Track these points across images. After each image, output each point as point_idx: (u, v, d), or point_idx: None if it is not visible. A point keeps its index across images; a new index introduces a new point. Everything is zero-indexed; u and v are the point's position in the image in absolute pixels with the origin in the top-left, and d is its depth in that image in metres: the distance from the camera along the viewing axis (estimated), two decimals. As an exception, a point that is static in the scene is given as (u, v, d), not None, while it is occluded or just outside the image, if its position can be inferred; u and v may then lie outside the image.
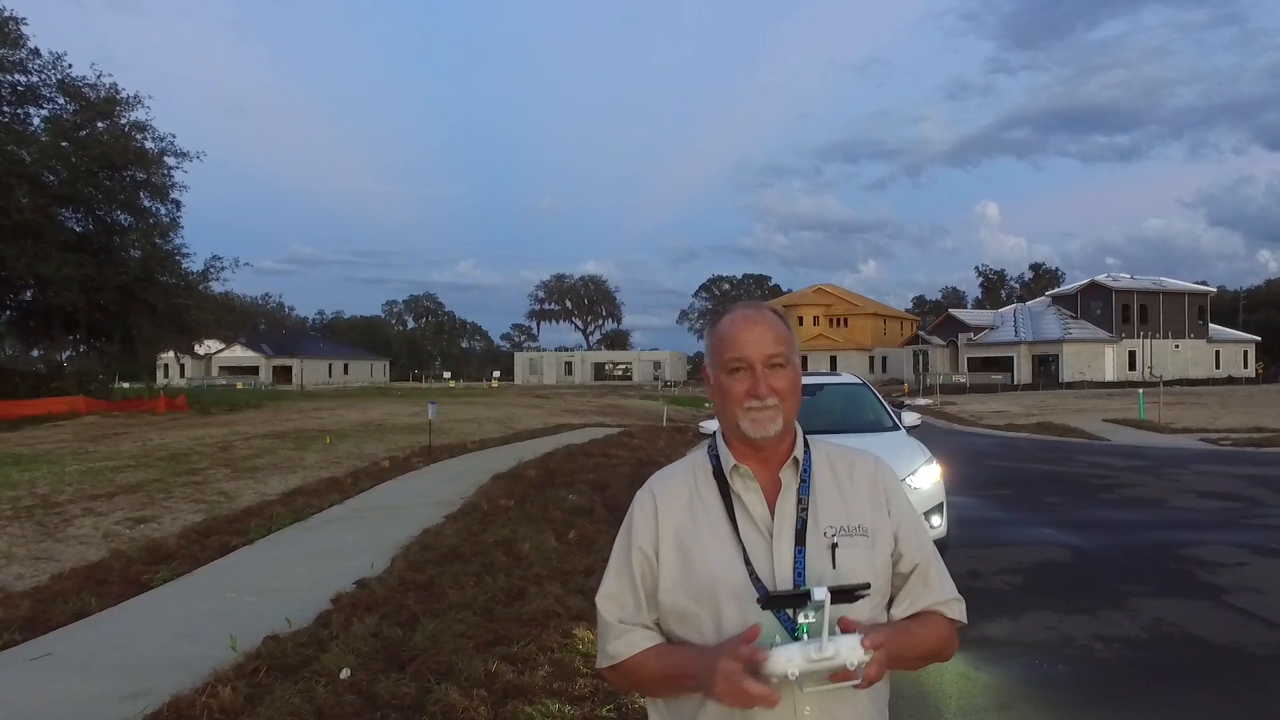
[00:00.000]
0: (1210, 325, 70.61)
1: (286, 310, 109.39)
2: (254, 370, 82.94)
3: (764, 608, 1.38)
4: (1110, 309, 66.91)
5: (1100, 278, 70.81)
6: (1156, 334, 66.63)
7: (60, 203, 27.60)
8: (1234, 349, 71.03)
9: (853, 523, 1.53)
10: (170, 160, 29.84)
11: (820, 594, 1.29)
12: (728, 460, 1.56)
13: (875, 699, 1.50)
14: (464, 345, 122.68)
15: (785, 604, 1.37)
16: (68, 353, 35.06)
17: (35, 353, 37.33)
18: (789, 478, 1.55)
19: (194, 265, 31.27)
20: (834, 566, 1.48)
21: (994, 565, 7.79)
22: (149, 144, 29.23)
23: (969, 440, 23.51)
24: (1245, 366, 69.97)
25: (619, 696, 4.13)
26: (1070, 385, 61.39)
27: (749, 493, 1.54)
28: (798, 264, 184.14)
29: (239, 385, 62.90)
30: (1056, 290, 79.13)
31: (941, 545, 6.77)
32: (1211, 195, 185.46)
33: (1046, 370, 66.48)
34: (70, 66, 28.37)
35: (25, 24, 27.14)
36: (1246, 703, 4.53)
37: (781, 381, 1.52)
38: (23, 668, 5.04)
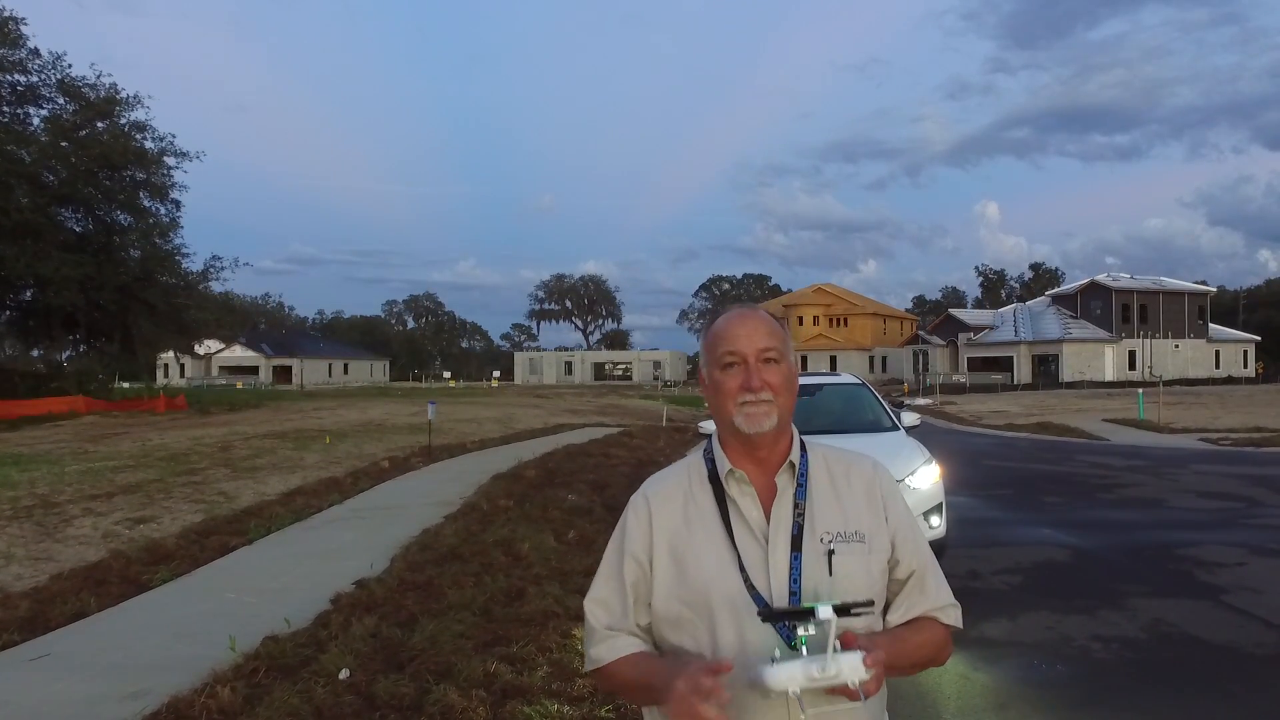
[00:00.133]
0: (1210, 325, 70.62)
1: (286, 310, 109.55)
2: (254, 370, 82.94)
3: (764, 621, 1.38)
4: (1110, 309, 66.92)
5: (1100, 277, 70.82)
6: (1156, 334, 66.63)
7: (60, 202, 27.61)
8: (1234, 349, 71.04)
9: (850, 529, 1.52)
10: (170, 160, 29.91)
11: (825, 613, 1.27)
12: (723, 464, 1.54)
13: (873, 706, 1.49)
14: (464, 345, 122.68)
15: (788, 620, 1.35)
16: (67, 353, 35.07)
17: (35, 353, 37.32)
18: (785, 482, 1.54)
19: (194, 265, 31.38)
20: (830, 573, 1.46)
21: (993, 565, 7.79)
22: (149, 144, 29.29)
23: (969, 440, 23.52)
24: (1245, 366, 69.98)
25: (617, 697, 4.14)
26: (1070, 385, 61.38)
27: (744, 497, 1.53)
28: (798, 264, 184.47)
29: (239, 385, 62.93)
30: (1056, 290, 79.13)
31: (941, 545, 6.79)
32: (1211, 195, 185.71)
33: (1046, 370, 66.48)
34: (70, 66, 28.46)
35: (25, 24, 27.23)
36: (1245, 703, 4.53)
37: (775, 376, 1.51)
38: (22, 668, 5.04)
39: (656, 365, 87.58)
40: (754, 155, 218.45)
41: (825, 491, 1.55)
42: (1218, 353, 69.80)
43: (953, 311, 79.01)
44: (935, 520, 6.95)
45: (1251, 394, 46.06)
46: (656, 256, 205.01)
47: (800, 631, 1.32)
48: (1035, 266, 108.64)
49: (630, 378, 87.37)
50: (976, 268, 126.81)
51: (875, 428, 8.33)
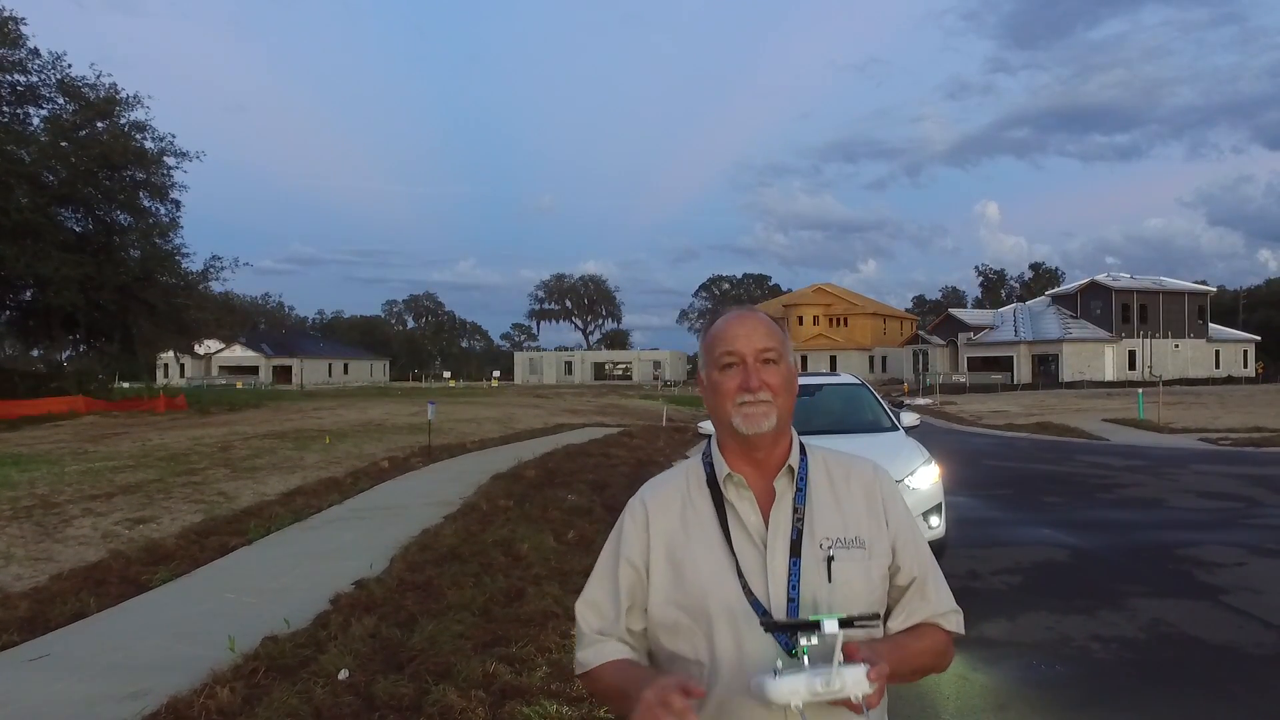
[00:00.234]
0: (1210, 325, 70.62)
1: (286, 310, 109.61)
2: (254, 370, 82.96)
3: (767, 631, 1.36)
4: (1110, 308, 66.92)
5: (1100, 277, 70.81)
6: (1156, 334, 66.63)
7: (60, 202, 27.62)
8: (1234, 348, 71.03)
9: (850, 534, 1.49)
10: (170, 160, 29.93)
11: (831, 626, 1.26)
12: (721, 468, 1.52)
13: (874, 717, 1.46)
14: (464, 345, 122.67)
15: (792, 631, 1.33)
16: (67, 353, 35.09)
17: (35, 353, 37.36)
18: (784, 486, 1.51)
19: (194, 265, 31.37)
20: (829, 580, 1.45)
21: (992, 565, 7.79)
22: (148, 144, 29.30)
23: (968, 440, 23.51)
24: (1245, 366, 69.98)
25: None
26: (1070, 385, 61.40)
27: (743, 502, 1.50)
28: (797, 263, 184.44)
29: (239, 385, 62.96)
30: (1056, 290, 79.12)
31: (940, 545, 6.79)
32: (1211, 195, 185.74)
33: (1046, 370, 66.48)
34: (70, 66, 28.48)
35: (25, 24, 27.24)
36: (1244, 703, 4.54)
37: (774, 377, 1.50)
38: (21, 668, 5.04)
39: (656, 365, 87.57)
40: (754, 155, 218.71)
41: (825, 496, 1.53)
42: (1218, 353, 69.80)
43: (953, 311, 79.02)
44: (935, 520, 6.95)
45: (1251, 394, 46.06)
46: (656, 256, 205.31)
47: (803, 641, 1.30)
48: (1035, 266, 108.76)
49: (630, 378, 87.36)
50: (976, 267, 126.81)
51: (874, 428, 8.33)
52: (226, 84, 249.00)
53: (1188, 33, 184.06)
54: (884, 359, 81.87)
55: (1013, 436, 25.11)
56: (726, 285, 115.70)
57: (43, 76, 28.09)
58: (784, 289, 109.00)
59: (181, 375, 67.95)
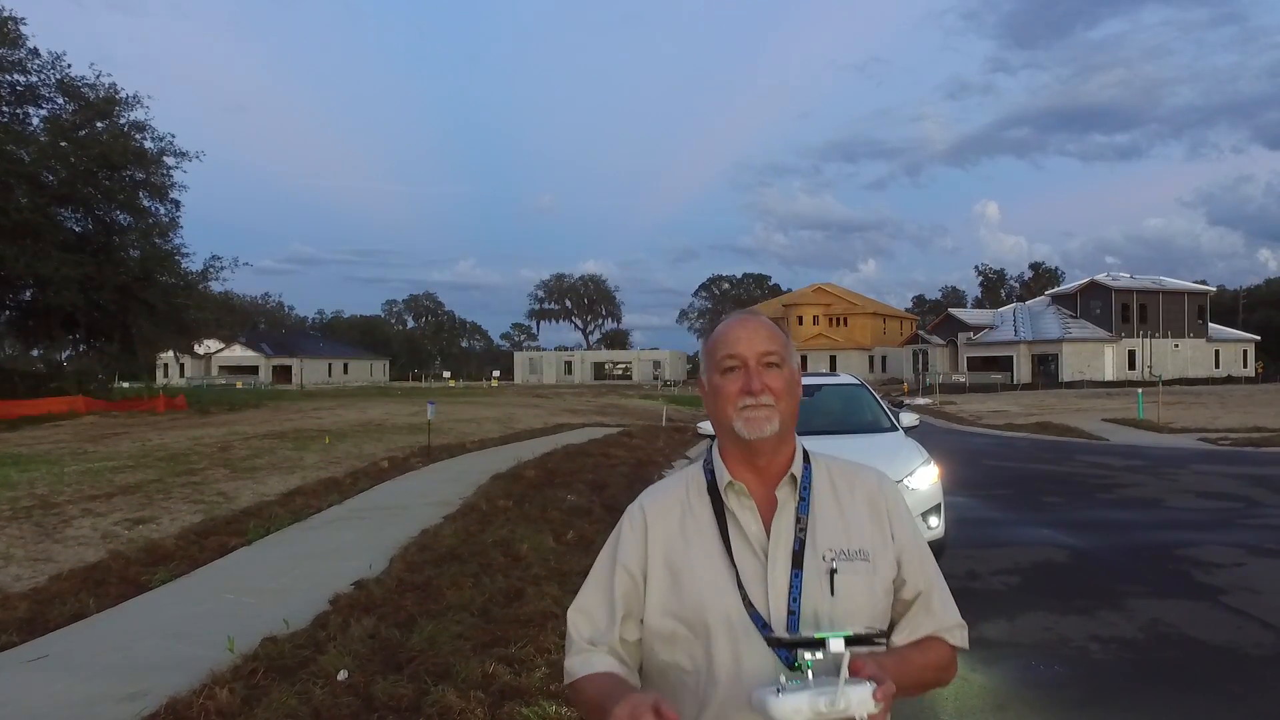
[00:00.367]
0: (1210, 325, 70.59)
1: (286, 310, 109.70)
2: (254, 370, 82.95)
3: (770, 646, 1.34)
4: (1110, 308, 66.90)
5: (1100, 277, 70.79)
6: (1156, 333, 66.63)
7: (59, 202, 27.64)
8: (1233, 348, 71.02)
9: (853, 546, 1.46)
10: (169, 160, 29.96)
11: (837, 645, 1.23)
12: (723, 475, 1.49)
13: None
14: (464, 345, 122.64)
15: (797, 648, 1.30)
16: (67, 352, 35.14)
17: (35, 353, 37.36)
18: (786, 495, 1.48)
19: (193, 265, 31.41)
20: (832, 593, 1.41)
21: (991, 566, 7.80)
22: (148, 144, 29.33)
23: (968, 440, 23.52)
24: (1245, 366, 69.96)
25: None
26: (1070, 385, 61.39)
27: (744, 510, 1.47)
28: (797, 263, 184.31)
29: (239, 385, 62.97)
30: (1056, 290, 79.10)
31: (939, 546, 6.79)
32: (1211, 194, 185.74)
33: (1046, 370, 66.47)
34: (69, 66, 28.52)
35: (24, 24, 27.25)
36: (1243, 703, 4.54)
37: (777, 381, 1.46)
38: (21, 669, 5.04)
39: (656, 365, 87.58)
40: (754, 155, 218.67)
41: (829, 506, 1.49)
42: (1217, 352, 69.78)
43: (952, 311, 79.00)
44: (934, 521, 6.96)
45: (1251, 394, 46.06)
46: (656, 256, 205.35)
47: (806, 655, 1.27)
48: (1035, 266, 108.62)
49: (630, 377, 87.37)
50: (976, 267, 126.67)
51: (874, 428, 8.33)
52: (226, 84, 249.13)
53: (1188, 32, 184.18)
54: (884, 359, 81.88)
55: (1012, 436, 25.11)
56: (726, 285, 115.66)
57: (42, 76, 28.16)
58: (784, 289, 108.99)
59: (181, 375, 67.93)
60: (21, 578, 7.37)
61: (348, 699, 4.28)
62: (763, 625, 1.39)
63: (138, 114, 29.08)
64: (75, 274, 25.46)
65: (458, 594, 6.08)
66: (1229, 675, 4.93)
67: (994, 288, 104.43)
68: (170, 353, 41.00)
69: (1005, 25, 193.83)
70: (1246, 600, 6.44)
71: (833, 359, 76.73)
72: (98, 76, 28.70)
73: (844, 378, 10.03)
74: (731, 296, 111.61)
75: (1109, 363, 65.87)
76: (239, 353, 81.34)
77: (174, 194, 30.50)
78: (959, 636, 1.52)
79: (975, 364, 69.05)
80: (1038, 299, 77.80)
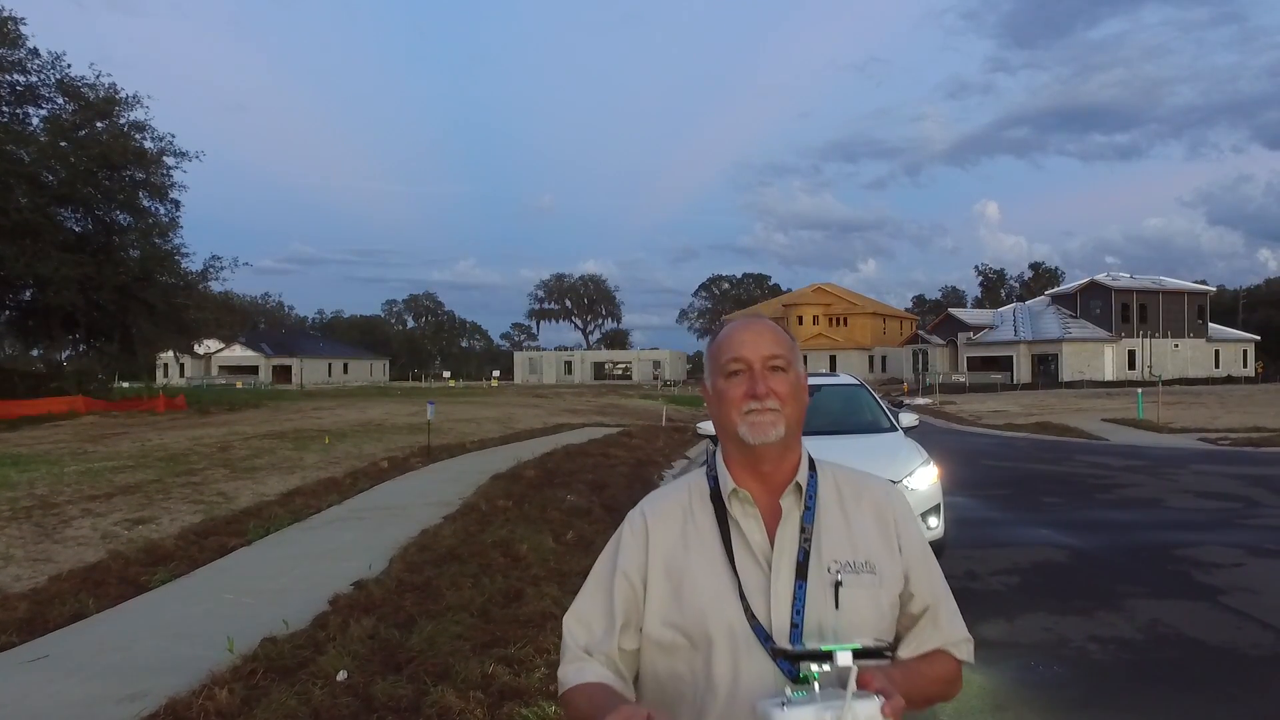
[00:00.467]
0: (1210, 324, 70.58)
1: (286, 310, 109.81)
2: (253, 370, 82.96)
3: (775, 658, 1.32)
4: (1110, 308, 66.90)
5: (1100, 277, 70.79)
6: (1156, 333, 66.62)
7: (59, 202, 27.62)
8: (1233, 348, 71.01)
9: (859, 558, 1.42)
10: (169, 160, 29.94)
11: (845, 659, 1.20)
12: (726, 483, 1.45)
13: None
14: (464, 345, 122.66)
15: (798, 660, 1.27)
16: (67, 353, 35.06)
17: (35, 353, 37.32)
18: (791, 504, 1.44)
19: (193, 265, 31.38)
20: (836, 606, 1.38)
21: (991, 566, 7.80)
22: (148, 144, 29.31)
23: (968, 440, 23.52)
24: (1245, 366, 69.95)
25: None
26: (1069, 385, 61.38)
27: (747, 519, 1.43)
28: (797, 263, 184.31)
29: (238, 385, 63.01)
30: (1056, 289, 79.08)
31: (939, 546, 6.79)
32: (1211, 194, 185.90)
33: (1046, 370, 66.47)
34: (69, 66, 28.50)
35: (24, 24, 27.23)
36: (1242, 703, 4.54)
37: (782, 385, 1.43)
38: (20, 670, 5.05)
39: (656, 365, 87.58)
40: (754, 155, 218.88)
41: (835, 516, 1.46)
42: (1217, 352, 69.77)
43: (952, 311, 79.00)
44: (933, 521, 6.96)
45: (1251, 394, 46.06)
46: (656, 256, 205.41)
47: (812, 667, 1.24)
48: (1035, 266, 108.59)
49: (630, 377, 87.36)
50: (976, 267, 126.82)
51: (873, 428, 8.33)
52: (226, 84, 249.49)
53: (1188, 32, 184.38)
54: (884, 359, 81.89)
55: (1012, 436, 25.11)
56: (726, 285, 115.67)
57: (42, 76, 28.14)
58: (784, 289, 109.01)
59: (181, 375, 67.93)
60: (21, 578, 7.37)
61: (347, 699, 4.28)
62: (765, 637, 1.36)
63: (138, 114, 29.11)
64: (75, 274, 25.46)
65: (457, 594, 6.08)
66: (1228, 676, 4.93)
67: (994, 288, 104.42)
68: (170, 353, 41.00)
69: (1005, 25, 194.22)
70: (1245, 600, 6.44)
71: (833, 359, 76.74)
72: (98, 76, 28.73)
73: (843, 378, 10.03)
74: (731, 296, 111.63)
75: (1109, 363, 65.87)
76: (239, 353, 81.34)
77: (174, 194, 30.52)
78: (965, 650, 1.49)
79: (975, 364, 69.04)
80: (1038, 299, 77.79)
